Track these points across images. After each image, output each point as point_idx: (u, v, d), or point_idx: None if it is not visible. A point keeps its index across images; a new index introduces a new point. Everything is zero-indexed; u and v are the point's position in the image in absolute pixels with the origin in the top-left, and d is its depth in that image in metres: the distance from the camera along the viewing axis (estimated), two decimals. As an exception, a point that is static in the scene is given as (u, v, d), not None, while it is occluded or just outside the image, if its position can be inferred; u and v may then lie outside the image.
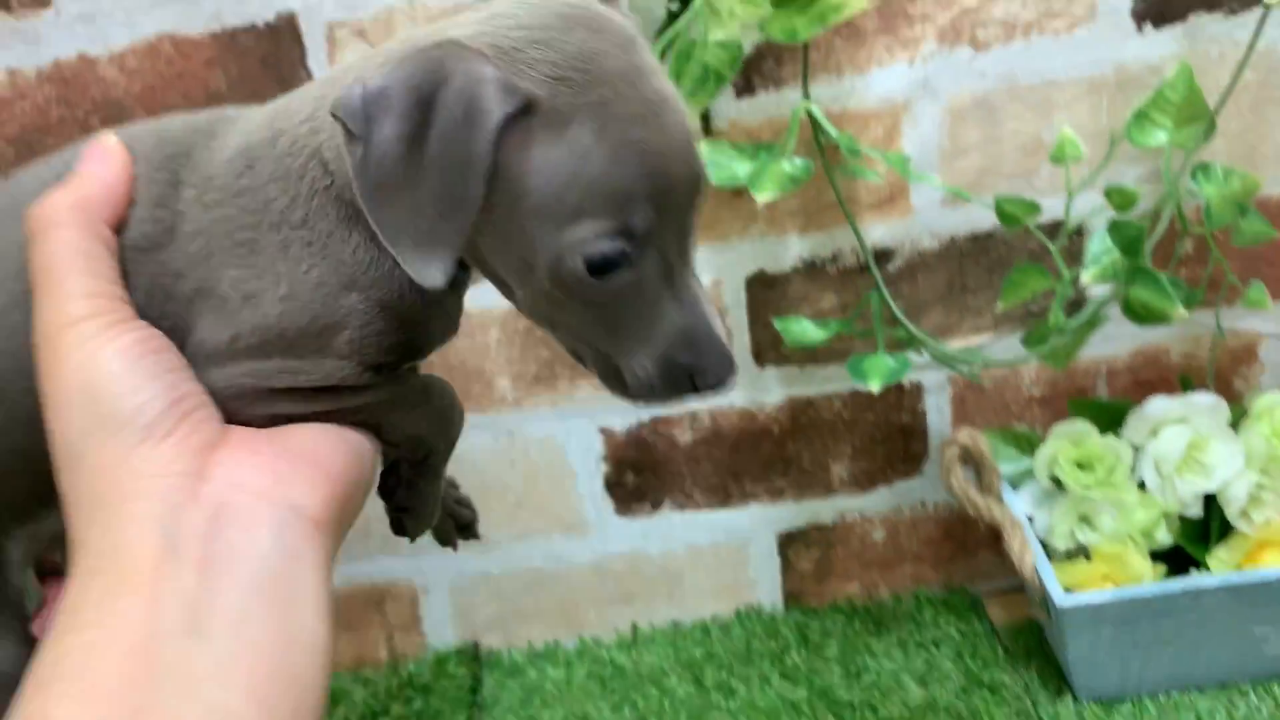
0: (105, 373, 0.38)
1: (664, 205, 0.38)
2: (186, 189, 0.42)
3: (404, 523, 0.49)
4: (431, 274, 0.37)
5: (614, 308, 0.39)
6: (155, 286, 0.41)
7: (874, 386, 0.72)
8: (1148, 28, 0.77)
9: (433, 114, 0.35)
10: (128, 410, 0.38)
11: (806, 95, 0.73)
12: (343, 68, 0.42)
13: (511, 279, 0.40)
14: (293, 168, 0.40)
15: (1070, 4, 0.77)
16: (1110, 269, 0.74)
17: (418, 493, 0.48)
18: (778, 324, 0.80)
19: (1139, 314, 0.67)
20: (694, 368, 0.40)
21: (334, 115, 0.37)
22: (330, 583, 0.40)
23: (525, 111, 0.36)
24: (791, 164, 0.70)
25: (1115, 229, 0.67)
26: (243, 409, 0.41)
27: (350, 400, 0.42)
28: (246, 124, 0.43)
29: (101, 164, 0.42)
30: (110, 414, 0.38)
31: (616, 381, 0.41)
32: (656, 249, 0.38)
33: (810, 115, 0.72)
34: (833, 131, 0.72)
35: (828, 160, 0.77)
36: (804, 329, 0.79)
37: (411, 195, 0.36)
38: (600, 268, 0.37)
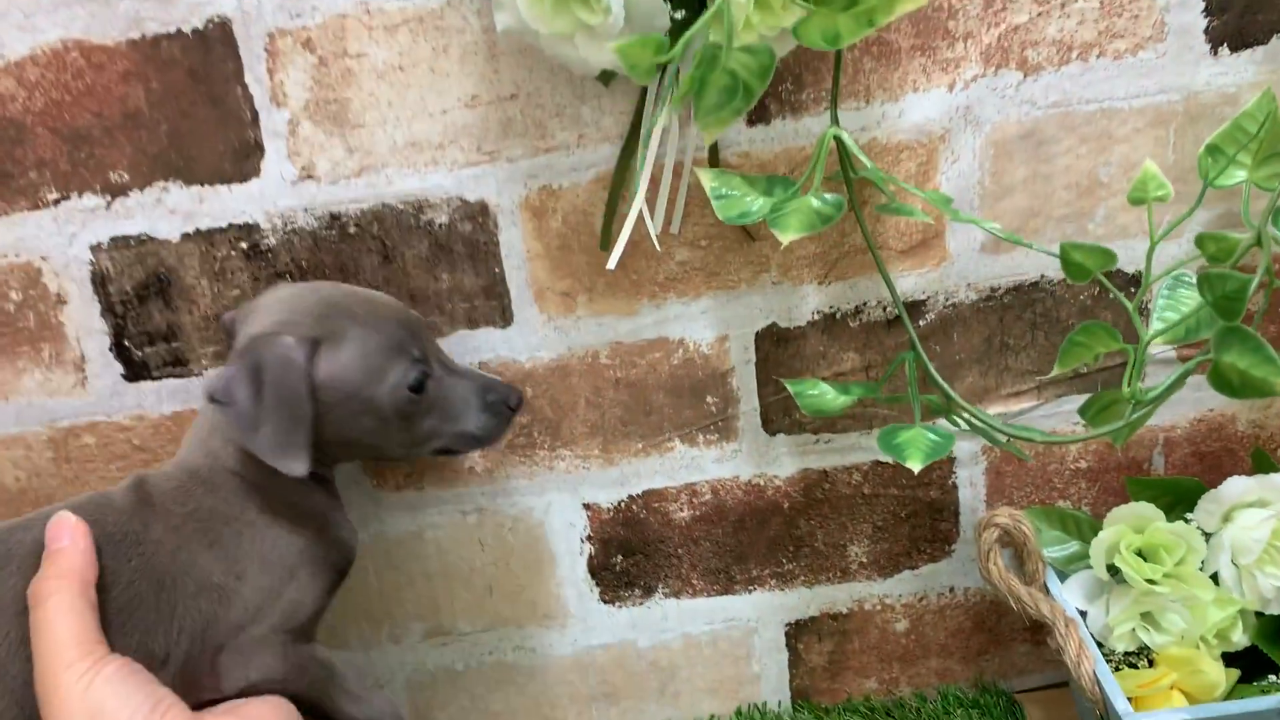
0: (100, 694, 0.51)
1: (416, 337, 0.61)
2: (154, 525, 0.58)
3: None
4: (296, 467, 0.56)
5: (440, 404, 0.62)
6: (162, 597, 0.57)
7: (914, 465, 0.60)
8: (1224, 51, 0.67)
9: (264, 375, 0.56)
10: (123, 718, 0.51)
11: (835, 120, 0.62)
12: (200, 422, 0.63)
13: (377, 440, 0.61)
14: (215, 482, 0.60)
15: (1135, 22, 0.66)
16: (1183, 329, 0.63)
17: None
18: (791, 387, 0.68)
19: (1233, 386, 0.56)
20: (500, 399, 0.63)
21: (211, 399, 0.56)
22: None
23: (315, 347, 0.58)
24: (820, 199, 0.58)
25: (1209, 282, 0.55)
26: (277, 651, 0.59)
27: (317, 653, 0.63)
28: (165, 476, 0.61)
29: (71, 537, 0.55)
30: None
31: (473, 441, 0.64)
32: (432, 360, 0.62)
33: (839, 142, 0.61)
34: (867, 162, 0.60)
35: (855, 198, 0.66)
36: (822, 394, 0.68)
37: (269, 424, 0.56)
38: (418, 387, 0.60)
